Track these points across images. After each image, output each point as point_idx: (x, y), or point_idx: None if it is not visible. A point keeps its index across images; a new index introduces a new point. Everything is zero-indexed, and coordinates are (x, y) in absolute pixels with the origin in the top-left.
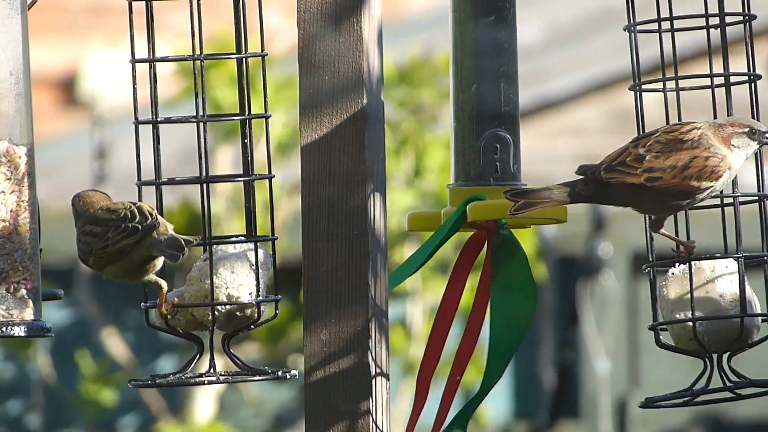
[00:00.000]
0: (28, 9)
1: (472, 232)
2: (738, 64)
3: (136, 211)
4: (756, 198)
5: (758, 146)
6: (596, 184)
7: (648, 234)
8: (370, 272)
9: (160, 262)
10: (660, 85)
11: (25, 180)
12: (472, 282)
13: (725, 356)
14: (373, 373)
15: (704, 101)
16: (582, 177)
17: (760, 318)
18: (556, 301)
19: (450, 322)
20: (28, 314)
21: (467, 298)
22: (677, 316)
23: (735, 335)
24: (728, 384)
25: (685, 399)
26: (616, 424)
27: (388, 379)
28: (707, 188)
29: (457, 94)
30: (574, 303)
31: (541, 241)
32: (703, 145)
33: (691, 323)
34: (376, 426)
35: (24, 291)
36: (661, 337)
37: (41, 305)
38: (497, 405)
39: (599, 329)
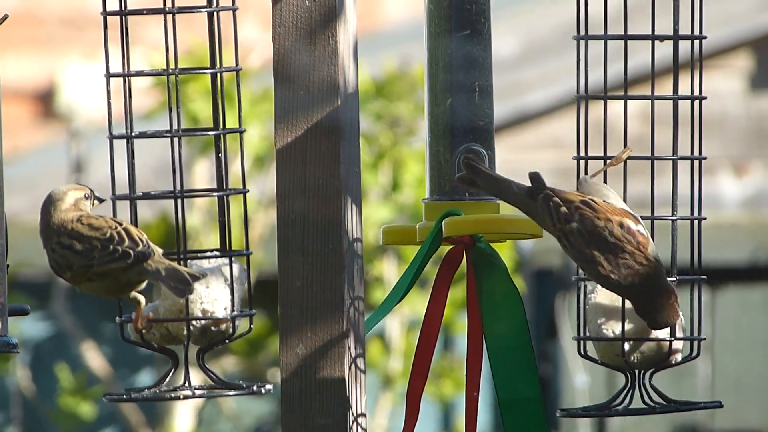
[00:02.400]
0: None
1: (450, 247)
2: (706, 79)
3: (123, 233)
4: (690, 218)
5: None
6: (533, 199)
7: None
8: (346, 286)
9: (144, 283)
10: (620, 99)
11: None
12: (450, 296)
13: (647, 373)
14: (350, 386)
15: (670, 113)
16: (529, 185)
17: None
18: (534, 314)
19: (435, 337)
20: None
21: (446, 311)
22: (605, 331)
23: (663, 356)
24: (649, 402)
25: (602, 411)
26: None
27: (365, 392)
28: (598, 282)
29: (431, 108)
30: (553, 316)
31: (518, 254)
32: (617, 261)
33: (618, 341)
34: None
35: None
36: (587, 348)
37: (7, 321)
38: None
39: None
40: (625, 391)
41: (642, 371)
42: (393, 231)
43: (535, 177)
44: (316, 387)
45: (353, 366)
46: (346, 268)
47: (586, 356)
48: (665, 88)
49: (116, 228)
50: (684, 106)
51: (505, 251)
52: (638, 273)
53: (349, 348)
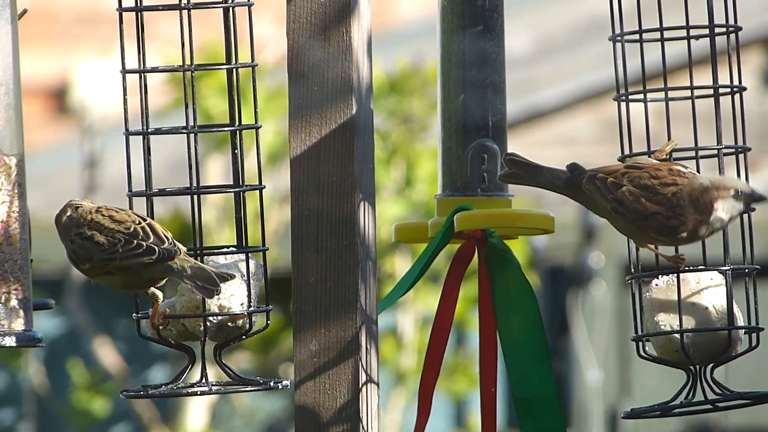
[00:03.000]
0: (18, 19)
1: (461, 243)
2: (727, 75)
3: (148, 229)
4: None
5: (743, 207)
6: (576, 187)
7: (633, 245)
8: (360, 283)
9: (165, 279)
10: (643, 96)
11: (16, 190)
12: (463, 292)
13: (708, 367)
14: (363, 382)
15: (698, 110)
16: (569, 174)
17: (742, 330)
18: (547, 310)
19: (447, 333)
20: (19, 324)
21: (459, 307)
22: (662, 327)
23: (721, 348)
24: (712, 397)
25: (669, 409)
26: None
27: (378, 388)
28: (664, 241)
29: (444, 104)
30: (565, 313)
31: (531, 251)
32: (671, 204)
33: (677, 335)
34: None
35: (15, 301)
36: (646, 347)
37: (32, 315)
38: None
39: (590, 339)
40: (687, 388)
41: (702, 366)
42: (405, 228)
43: (573, 167)
44: (329, 383)
45: (366, 362)
46: (359, 264)
47: (645, 356)
48: (683, 83)
49: (140, 223)
50: (699, 102)
51: (517, 247)
52: (686, 189)
53: (363, 344)
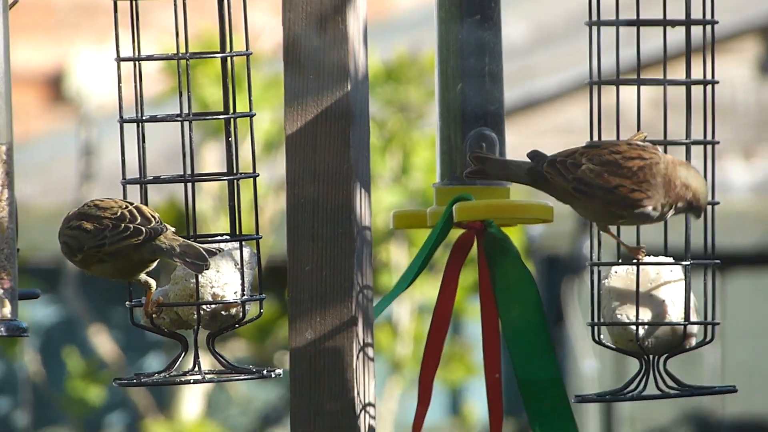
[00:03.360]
0: (9, 9)
1: (461, 233)
2: (720, 65)
3: (135, 211)
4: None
5: (686, 215)
6: (538, 175)
7: (595, 231)
8: (355, 271)
9: (155, 262)
10: (616, 86)
11: (4, 179)
12: (460, 281)
13: (662, 358)
14: (358, 371)
15: (682, 98)
16: (531, 163)
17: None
18: (543, 299)
19: (447, 323)
20: (5, 314)
21: (457, 297)
22: (619, 316)
23: (677, 341)
24: (663, 387)
25: (617, 397)
26: (603, 424)
27: (373, 377)
28: (627, 216)
29: (442, 93)
30: (561, 302)
31: (527, 240)
32: (638, 177)
33: (633, 326)
34: (361, 424)
35: (1, 291)
36: (601, 335)
37: (17, 305)
38: (484, 402)
39: (586, 328)
40: (639, 377)
41: (656, 356)
42: (404, 215)
43: (533, 154)
44: (324, 372)
45: (362, 351)
46: (355, 252)
47: (599, 342)
48: (676, 73)
49: (127, 207)
50: (694, 91)
51: (513, 236)
52: (653, 167)
53: (358, 333)
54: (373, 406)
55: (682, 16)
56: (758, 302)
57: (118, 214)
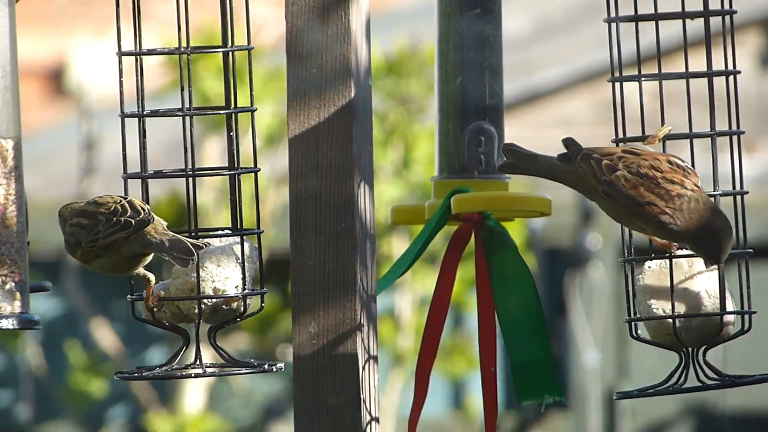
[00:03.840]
0: (16, 2)
1: (458, 225)
2: (722, 57)
3: (127, 205)
4: (733, 193)
5: (704, 257)
6: (569, 165)
7: (626, 229)
8: (359, 265)
9: (150, 256)
10: (638, 79)
11: (13, 173)
12: (460, 274)
13: (701, 350)
14: (362, 365)
15: (691, 92)
16: (564, 151)
17: (733, 314)
18: (545, 292)
19: (444, 315)
20: (16, 307)
21: (456, 289)
22: (655, 310)
23: (713, 332)
24: (705, 380)
25: (662, 391)
26: (605, 416)
27: (377, 370)
28: (649, 231)
29: (442, 86)
30: (563, 294)
31: (529, 233)
32: (673, 203)
33: (669, 319)
34: (365, 417)
35: (12, 284)
36: (638, 329)
37: (29, 297)
38: None
39: (588, 321)
40: (679, 370)
41: (695, 348)
42: (402, 210)
43: (569, 141)
44: (328, 366)
45: (365, 344)
46: (358, 247)
47: (638, 338)
48: (676, 66)
49: (120, 201)
50: (693, 84)
51: (515, 229)
52: (692, 202)
53: (362, 327)
54: (377, 399)
55: (688, 8)
56: (759, 295)
57: (112, 208)
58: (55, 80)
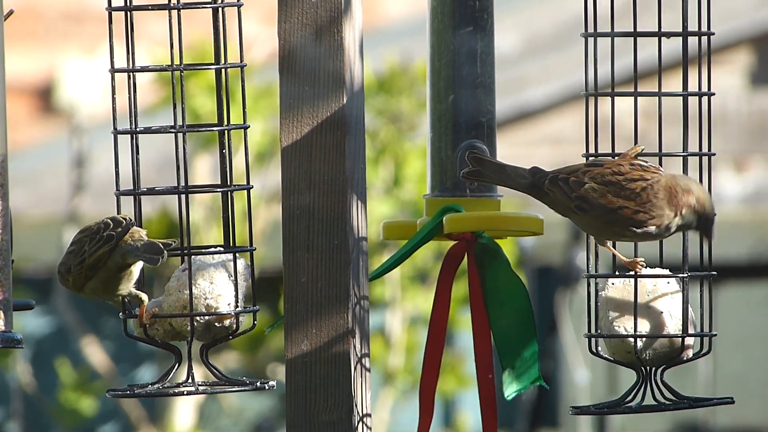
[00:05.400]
0: (5, 20)
1: (452, 244)
2: (712, 75)
3: (109, 221)
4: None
5: (696, 229)
6: (540, 190)
7: (592, 244)
8: (351, 282)
9: (137, 270)
10: (611, 98)
11: None
12: (453, 293)
13: (659, 370)
14: (355, 382)
15: (675, 109)
16: (531, 179)
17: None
18: (535, 310)
19: (443, 334)
20: (0, 325)
21: (451, 307)
22: (617, 328)
23: (675, 353)
24: (661, 399)
25: (616, 409)
26: None
27: (369, 388)
28: (629, 235)
29: (434, 104)
30: (553, 312)
31: (519, 251)
32: (641, 198)
33: (631, 338)
34: None
35: None
36: (599, 346)
37: (12, 316)
38: (476, 413)
39: (578, 339)
40: (636, 389)
41: (654, 368)
42: (394, 226)
43: (535, 170)
44: (321, 383)
45: (358, 362)
46: (351, 263)
47: (597, 354)
48: (668, 84)
49: (103, 221)
50: (686, 102)
51: (506, 247)
52: (657, 186)
53: (354, 344)
54: (370, 416)
55: (673, 27)
56: (750, 313)
57: (95, 229)
58: (44, 97)
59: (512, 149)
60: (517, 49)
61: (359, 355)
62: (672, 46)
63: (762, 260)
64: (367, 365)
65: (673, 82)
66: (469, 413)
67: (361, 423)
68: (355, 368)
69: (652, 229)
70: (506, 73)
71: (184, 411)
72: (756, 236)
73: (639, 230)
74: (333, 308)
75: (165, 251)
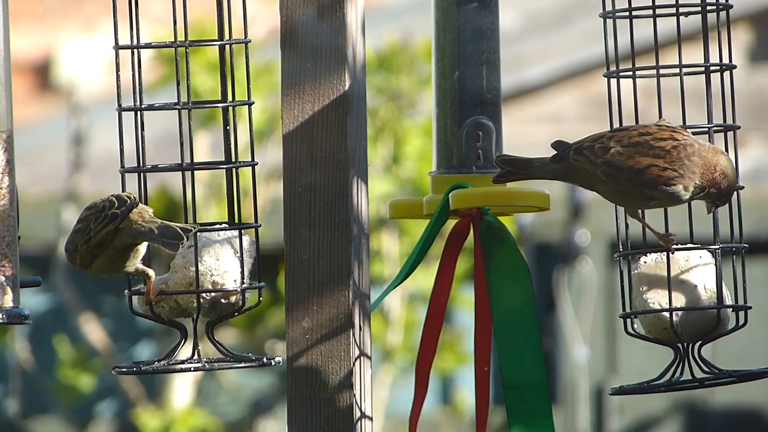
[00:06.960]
0: None
1: (456, 221)
2: (716, 52)
3: (115, 199)
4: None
5: (713, 204)
6: (564, 163)
7: (624, 221)
8: (353, 259)
9: (143, 247)
10: (632, 73)
11: (4, 167)
12: (458, 270)
13: (696, 345)
14: (355, 359)
15: (685, 87)
16: (555, 153)
17: (730, 309)
18: (534, 288)
19: (443, 312)
20: (7, 301)
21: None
22: (651, 304)
23: (710, 326)
24: (699, 374)
25: (657, 387)
26: (594, 411)
27: (370, 365)
28: (658, 197)
29: (439, 81)
30: (552, 290)
31: (518, 229)
32: (671, 156)
33: (666, 313)
34: (358, 412)
35: (2, 278)
36: (634, 325)
37: (19, 292)
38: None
39: (577, 316)
40: (674, 365)
41: (690, 344)
42: (400, 204)
43: (558, 143)
44: (322, 360)
45: (359, 339)
46: (353, 241)
47: (633, 333)
48: (670, 60)
49: (108, 199)
50: (687, 79)
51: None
52: (689, 148)
53: (355, 322)
54: (370, 394)
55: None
56: (749, 291)
57: (100, 206)
58: (42, 75)
59: (512, 127)
60: (516, 26)
61: (360, 332)
62: (672, 24)
63: (761, 238)
64: (368, 343)
65: (671, 59)
66: (468, 390)
67: (360, 400)
68: (355, 345)
69: (680, 189)
70: (506, 51)
71: (182, 388)
72: (755, 214)
73: (668, 189)
74: (335, 286)
75: (185, 237)
